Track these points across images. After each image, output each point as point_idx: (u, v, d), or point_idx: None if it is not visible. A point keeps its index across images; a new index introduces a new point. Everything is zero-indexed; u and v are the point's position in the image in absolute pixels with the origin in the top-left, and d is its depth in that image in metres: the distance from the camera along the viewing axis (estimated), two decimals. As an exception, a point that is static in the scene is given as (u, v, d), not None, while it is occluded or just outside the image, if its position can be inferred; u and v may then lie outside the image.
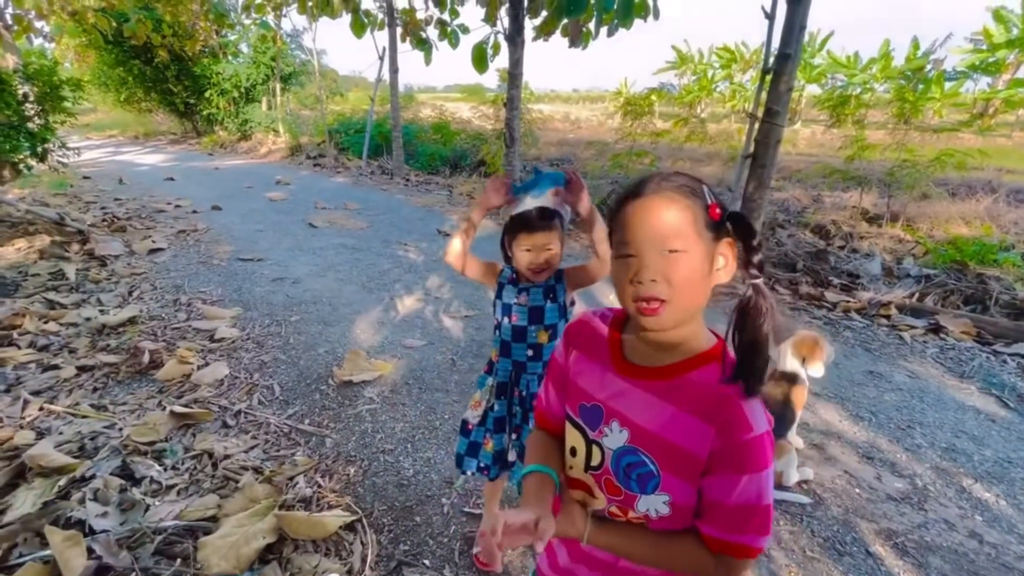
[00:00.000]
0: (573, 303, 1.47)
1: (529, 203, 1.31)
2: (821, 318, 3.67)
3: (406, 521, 1.81)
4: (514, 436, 1.52)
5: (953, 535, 1.80)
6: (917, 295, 3.94)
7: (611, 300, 1.34)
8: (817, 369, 2.00)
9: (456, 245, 1.42)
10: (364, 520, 1.79)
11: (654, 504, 0.71)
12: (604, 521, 0.77)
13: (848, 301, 3.87)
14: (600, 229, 1.34)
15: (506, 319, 1.42)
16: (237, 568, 1.54)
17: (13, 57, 8.24)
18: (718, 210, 0.68)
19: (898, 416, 2.51)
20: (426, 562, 1.66)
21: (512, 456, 1.53)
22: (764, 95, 4.56)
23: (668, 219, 0.65)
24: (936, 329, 3.46)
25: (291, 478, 1.96)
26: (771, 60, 4.47)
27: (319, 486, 1.94)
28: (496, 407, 1.51)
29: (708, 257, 0.67)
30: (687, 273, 0.65)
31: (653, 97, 7.15)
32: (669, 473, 0.70)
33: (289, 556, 1.62)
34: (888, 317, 3.65)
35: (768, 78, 4.43)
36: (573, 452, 0.82)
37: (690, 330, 0.70)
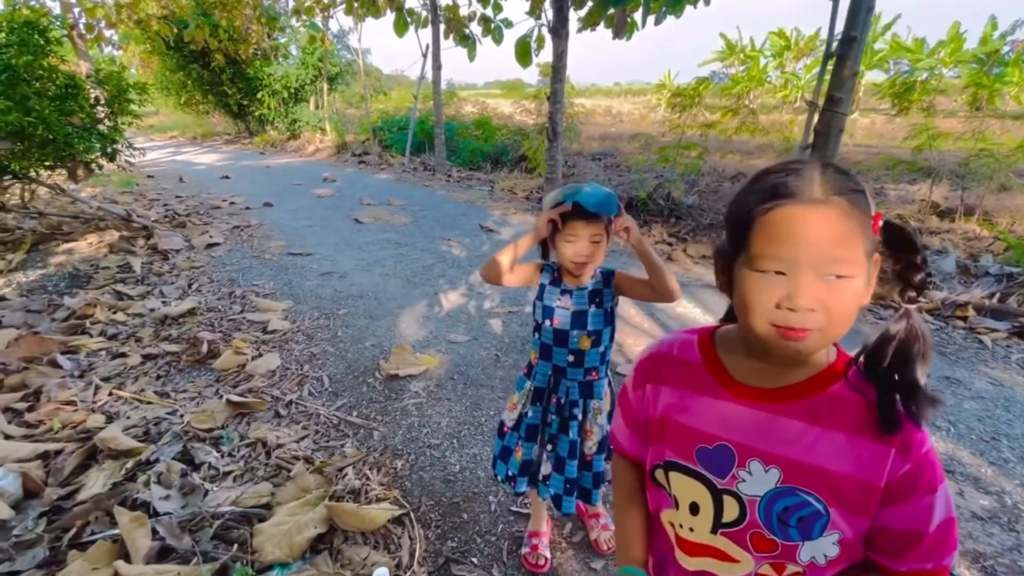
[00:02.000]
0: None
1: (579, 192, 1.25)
2: (889, 319, 3.43)
3: (453, 517, 1.80)
4: (549, 447, 1.45)
5: (1051, 561, 1.63)
6: (998, 295, 3.62)
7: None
8: None
9: (504, 262, 1.33)
10: (412, 515, 1.78)
11: (822, 548, 0.59)
12: None
13: (920, 301, 3.60)
14: (657, 263, 1.23)
15: (547, 321, 1.35)
16: (290, 556, 1.56)
17: (86, 64, 8.82)
18: (880, 223, 0.55)
19: (980, 427, 2.30)
20: (474, 560, 1.63)
21: (546, 470, 1.46)
22: (825, 81, 4.30)
23: (840, 238, 0.52)
24: (1021, 332, 3.16)
25: (340, 469, 1.99)
26: (834, 44, 4.21)
27: (367, 478, 1.95)
28: (530, 413, 1.45)
29: (868, 279, 0.55)
30: (849, 303, 0.53)
31: (701, 88, 6.88)
32: (840, 508, 0.58)
33: (339, 547, 1.63)
34: (965, 319, 3.37)
35: (831, 63, 4.17)
36: (694, 510, 0.66)
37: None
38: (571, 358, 1.36)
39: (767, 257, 0.54)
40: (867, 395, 0.57)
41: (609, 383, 1.46)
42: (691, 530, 0.67)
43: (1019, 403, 2.49)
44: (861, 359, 0.58)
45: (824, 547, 0.60)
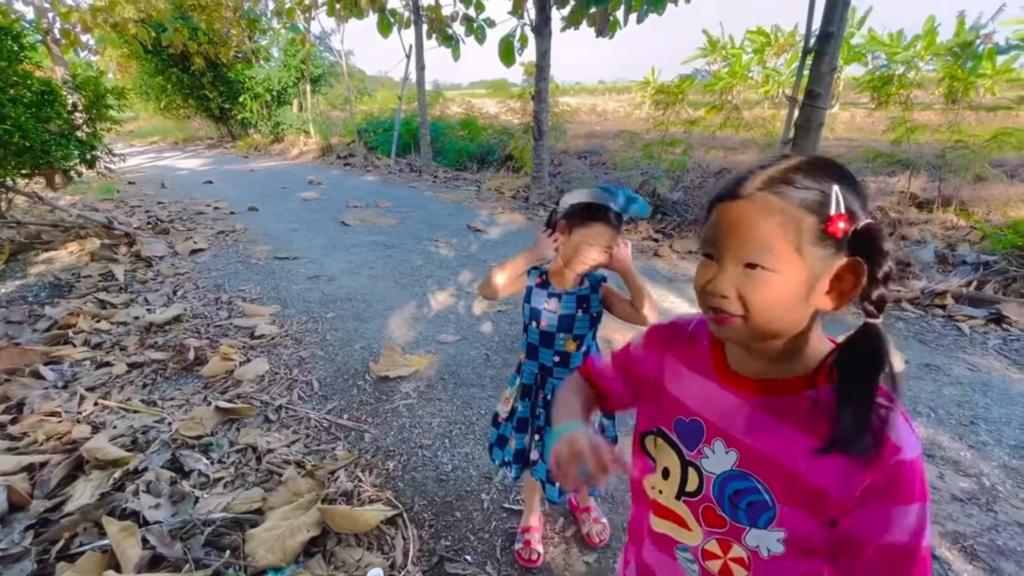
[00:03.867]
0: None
1: (606, 199, 1.21)
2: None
3: (446, 516, 1.81)
4: (536, 437, 1.49)
5: (1028, 539, 1.68)
6: (975, 283, 3.71)
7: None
8: None
9: (500, 280, 1.35)
10: (405, 515, 1.79)
11: (766, 540, 0.61)
12: None
13: (899, 291, 3.68)
14: (640, 289, 1.30)
15: (534, 323, 1.38)
16: (283, 560, 1.56)
17: (62, 69, 8.67)
18: (841, 224, 0.52)
19: (959, 412, 2.36)
20: (468, 558, 1.65)
21: (535, 455, 1.50)
22: (804, 77, 4.37)
23: (757, 232, 0.54)
24: (998, 319, 3.25)
25: (332, 472, 1.99)
26: (812, 40, 4.28)
27: (359, 480, 1.95)
28: (520, 408, 1.48)
29: (810, 279, 0.54)
30: (767, 296, 0.54)
31: (684, 85, 6.95)
32: (787, 505, 0.59)
33: (333, 549, 1.64)
34: (944, 307, 3.45)
35: (809, 58, 4.24)
36: (665, 474, 0.71)
37: (799, 343, 0.59)
38: (557, 359, 1.39)
39: (704, 243, 0.60)
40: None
41: None
42: (660, 492, 0.73)
43: (996, 388, 2.55)
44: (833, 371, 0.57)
45: (768, 541, 0.61)
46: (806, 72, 4.32)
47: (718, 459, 0.65)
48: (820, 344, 0.60)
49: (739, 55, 17.66)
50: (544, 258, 1.34)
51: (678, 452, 0.69)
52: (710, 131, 8.38)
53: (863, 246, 0.54)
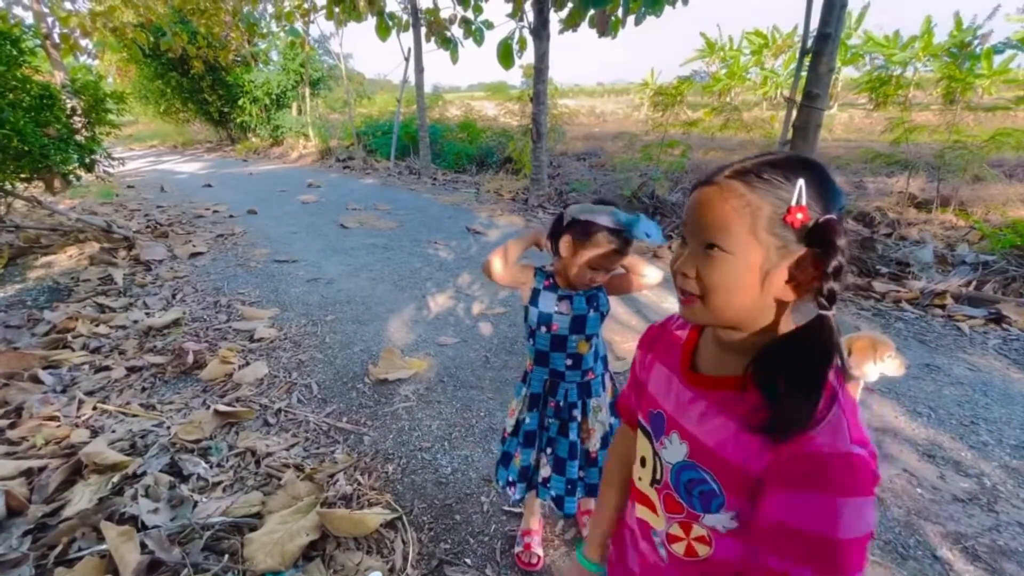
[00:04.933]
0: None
1: (621, 224, 1.17)
2: (869, 309, 3.50)
3: (446, 519, 1.80)
4: (548, 450, 1.45)
5: (1029, 539, 1.68)
6: (974, 283, 3.71)
7: None
8: (867, 373, 1.88)
9: (498, 267, 1.33)
10: (404, 518, 1.78)
11: (720, 520, 0.65)
12: None
13: (898, 291, 3.68)
14: (636, 261, 1.31)
15: (543, 328, 1.33)
16: (283, 565, 1.55)
17: (61, 74, 8.68)
18: (800, 216, 0.54)
19: (960, 412, 2.36)
20: (468, 561, 1.64)
21: (546, 472, 1.46)
22: (802, 78, 4.38)
23: (716, 212, 0.57)
24: (997, 319, 3.25)
25: (331, 475, 1.98)
26: (810, 40, 4.29)
27: (359, 483, 1.95)
28: (528, 419, 1.45)
29: (764, 264, 0.56)
30: (723, 277, 0.57)
31: (683, 86, 6.97)
32: (733, 494, 0.62)
33: (332, 553, 1.63)
34: (943, 307, 3.44)
35: (807, 60, 4.25)
36: (643, 462, 0.76)
37: (766, 336, 0.60)
38: (569, 362, 1.36)
39: (681, 226, 0.64)
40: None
41: (611, 377, 1.49)
42: (639, 479, 0.77)
43: (996, 388, 2.55)
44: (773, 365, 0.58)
45: (723, 520, 0.64)
46: (804, 73, 4.32)
47: (674, 450, 0.68)
48: None
49: (737, 57, 17.69)
50: (538, 244, 1.34)
51: (650, 441, 0.74)
52: (709, 132, 8.39)
53: (819, 240, 0.55)
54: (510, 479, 1.50)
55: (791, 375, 0.56)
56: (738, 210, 0.56)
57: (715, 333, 0.66)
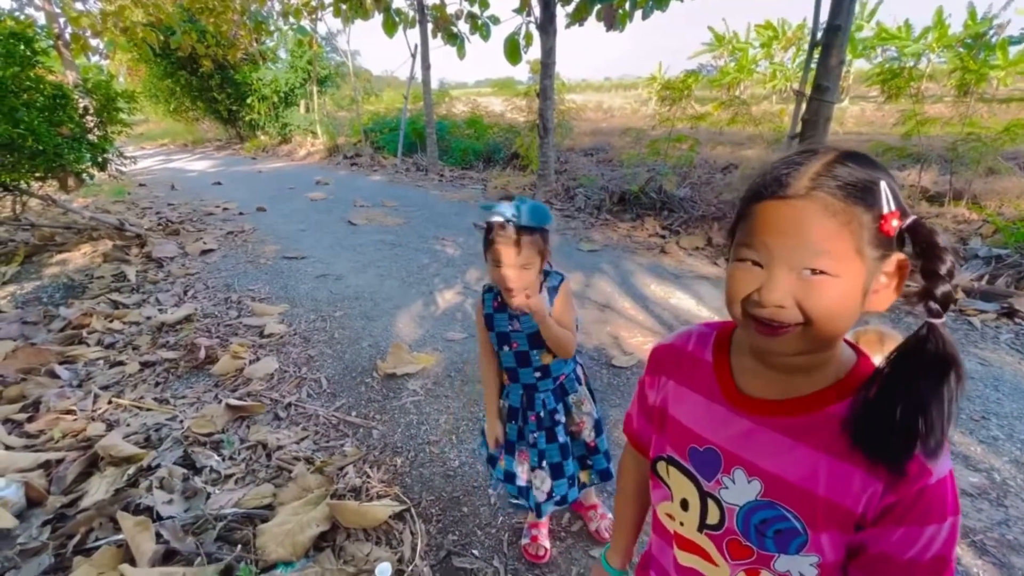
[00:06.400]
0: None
1: (507, 211, 1.15)
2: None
3: (454, 511, 1.82)
4: (542, 463, 1.45)
5: (1039, 534, 1.67)
6: (987, 277, 3.67)
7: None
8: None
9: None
10: (413, 510, 1.81)
11: (798, 566, 0.58)
12: None
13: (908, 286, 3.64)
14: (552, 336, 1.25)
15: (506, 347, 1.35)
16: (293, 555, 1.58)
17: (73, 74, 8.78)
18: (895, 222, 0.50)
19: (970, 406, 2.34)
20: (475, 552, 1.66)
21: (546, 486, 1.45)
22: (812, 71, 4.34)
23: (816, 233, 0.49)
24: (1010, 313, 3.21)
25: (341, 468, 2.01)
26: (819, 33, 4.24)
27: (368, 476, 1.97)
28: (507, 430, 1.48)
29: (867, 281, 0.51)
30: (830, 302, 0.50)
31: (690, 80, 6.91)
32: (820, 531, 0.56)
33: (342, 544, 1.66)
34: (955, 301, 3.40)
35: (817, 52, 4.21)
36: (684, 505, 0.67)
37: (829, 353, 0.56)
38: (538, 374, 1.38)
39: (745, 247, 0.54)
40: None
41: (581, 367, 1.50)
42: (681, 524, 0.69)
43: (1008, 382, 2.53)
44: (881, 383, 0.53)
45: (801, 566, 0.58)
46: (813, 66, 4.28)
47: (739, 489, 0.61)
48: (844, 352, 0.57)
49: (745, 50, 17.49)
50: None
51: (695, 482, 0.65)
52: (717, 127, 8.33)
53: (915, 243, 0.51)
54: (499, 476, 1.54)
55: (913, 400, 0.49)
56: (841, 228, 0.49)
57: (774, 360, 0.58)
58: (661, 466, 0.71)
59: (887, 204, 0.50)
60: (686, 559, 0.70)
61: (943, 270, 0.50)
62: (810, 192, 0.50)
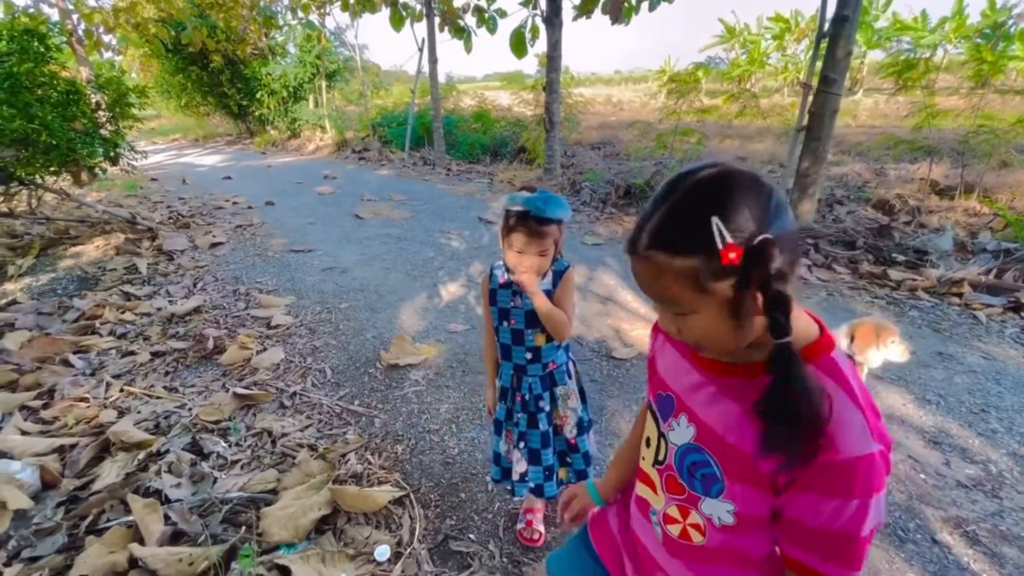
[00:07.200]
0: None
1: (530, 202, 1.22)
2: (884, 297, 3.46)
3: (452, 497, 1.87)
4: (521, 444, 1.49)
5: (1033, 525, 1.67)
6: (994, 271, 3.63)
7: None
8: (870, 358, 1.88)
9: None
10: (412, 496, 1.85)
11: (718, 511, 0.66)
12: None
13: (914, 279, 3.62)
14: (547, 315, 1.31)
15: (504, 323, 1.40)
16: (296, 537, 1.64)
17: (86, 69, 8.91)
18: (732, 255, 0.51)
19: (970, 400, 2.34)
20: (472, 536, 1.70)
21: (522, 467, 1.49)
22: (819, 63, 4.29)
23: (656, 286, 0.57)
24: (1016, 307, 3.18)
25: (343, 455, 2.06)
26: (827, 24, 4.20)
27: (369, 463, 2.02)
28: (497, 410, 1.53)
29: (731, 305, 0.55)
30: (699, 332, 0.59)
31: (699, 73, 6.87)
32: (734, 481, 0.63)
33: (343, 527, 1.71)
34: (960, 296, 3.38)
35: (824, 44, 4.16)
36: (648, 442, 0.78)
37: (747, 349, 0.61)
38: (529, 355, 1.41)
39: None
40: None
41: (573, 364, 1.52)
42: (643, 459, 0.79)
43: (1010, 376, 2.52)
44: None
45: (720, 511, 0.66)
46: (821, 57, 4.23)
47: (681, 432, 0.70)
48: (806, 328, 0.60)
49: (757, 42, 17.25)
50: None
51: (656, 423, 0.76)
52: (726, 119, 8.27)
53: (756, 264, 0.52)
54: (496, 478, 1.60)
55: (784, 417, 0.54)
56: (677, 278, 0.55)
57: None
58: (649, 412, 0.81)
59: (720, 241, 0.51)
60: (641, 489, 0.80)
61: (768, 295, 0.52)
62: (647, 252, 0.56)
